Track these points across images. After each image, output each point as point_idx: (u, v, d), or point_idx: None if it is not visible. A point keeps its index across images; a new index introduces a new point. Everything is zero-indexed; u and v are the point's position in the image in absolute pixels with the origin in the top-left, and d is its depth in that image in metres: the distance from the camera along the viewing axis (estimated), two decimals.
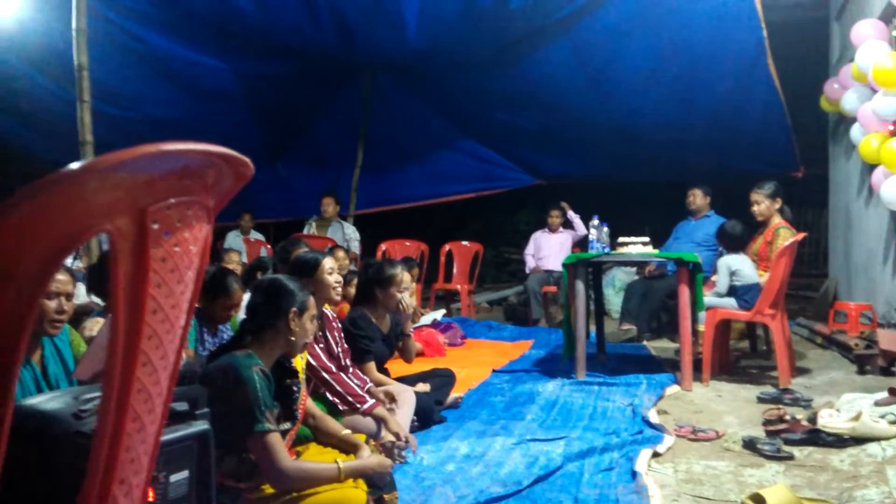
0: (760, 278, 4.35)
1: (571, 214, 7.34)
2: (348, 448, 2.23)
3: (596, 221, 4.70)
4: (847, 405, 3.28)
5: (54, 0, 5.34)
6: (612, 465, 2.77)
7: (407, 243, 7.60)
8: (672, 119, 6.78)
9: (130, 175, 0.71)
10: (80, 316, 2.81)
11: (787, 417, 3.21)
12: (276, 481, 1.89)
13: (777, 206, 4.69)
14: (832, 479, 2.61)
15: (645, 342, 5.79)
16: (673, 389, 4.10)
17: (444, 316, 6.53)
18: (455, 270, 7.80)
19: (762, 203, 4.68)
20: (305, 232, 7.03)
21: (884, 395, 3.29)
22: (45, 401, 1.19)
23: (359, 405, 2.83)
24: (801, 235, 4.41)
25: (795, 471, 2.73)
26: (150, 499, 1.17)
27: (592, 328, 5.20)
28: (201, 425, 1.34)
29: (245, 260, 6.39)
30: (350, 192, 8.29)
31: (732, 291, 4.31)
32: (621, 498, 2.44)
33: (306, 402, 2.25)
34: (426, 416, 3.37)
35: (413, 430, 3.13)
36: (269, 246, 7.62)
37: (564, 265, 4.54)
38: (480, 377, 4.51)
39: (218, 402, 1.51)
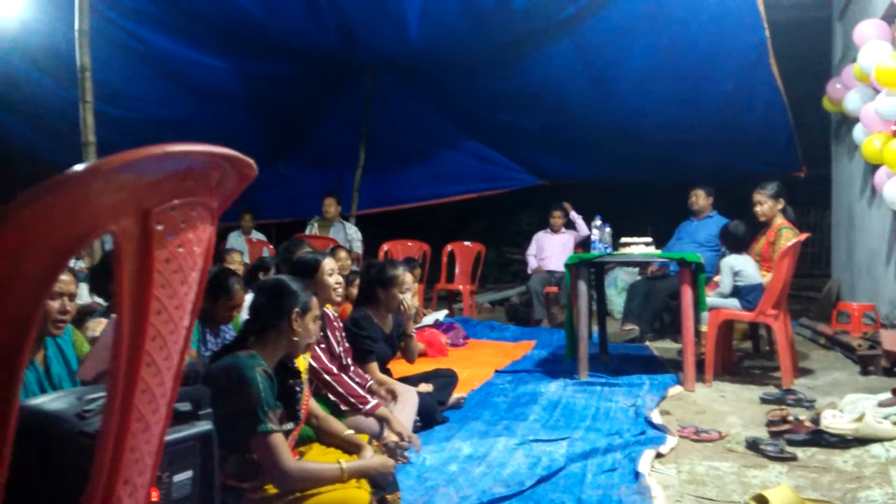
0: (763, 279, 4.34)
1: (574, 215, 7.34)
2: (351, 448, 2.23)
3: (598, 222, 4.70)
4: (850, 406, 3.27)
5: (57, 1, 5.35)
6: (614, 466, 2.77)
7: (409, 243, 7.60)
8: (675, 119, 6.78)
9: (135, 176, 0.71)
10: (82, 316, 2.82)
11: (791, 418, 3.21)
12: (279, 481, 1.89)
13: (780, 206, 4.68)
14: (836, 480, 2.61)
15: (647, 343, 5.78)
16: (676, 390, 4.09)
17: (447, 316, 6.54)
18: (457, 271, 7.80)
19: (765, 203, 4.68)
20: (307, 232, 7.03)
21: (887, 395, 3.29)
22: (49, 401, 1.19)
23: (361, 406, 2.83)
24: (803, 236, 4.40)
25: (799, 472, 2.72)
26: (155, 499, 1.17)
27: (595, 329, 5.20)
28: (205, 425, 1.34)
29: (247, 260, 6.40)
30: (352, 192, 8.29)
31: (735, 292, 4.31)
32: (624, 499, 2.44)
33: (309, 403, 2.25)
34: (429, 417, 3.37)
35: (416, 430, 3.13)
36: (271, 246, 7.62)
37: (567, 265, 4.54)
38: (483, 378, 4.51)
39: (221, 403, 1.51)
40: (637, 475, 2.64)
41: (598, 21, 5.79)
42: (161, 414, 0.87)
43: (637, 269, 6.93)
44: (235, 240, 7.96)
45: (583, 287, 4.38)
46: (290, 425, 2.07)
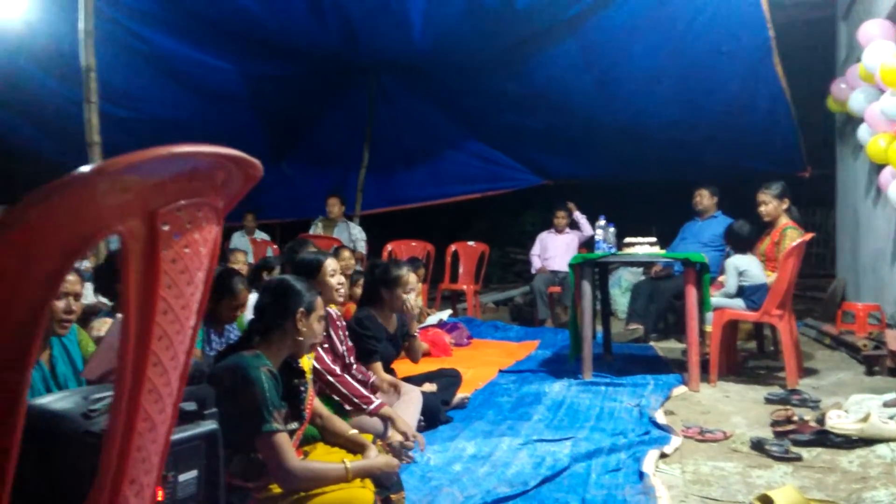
0: (768, 279, 4.33)
1: (577, 215, 7.33)
2: (355, 448, 2.24)
3: (602, 222, 4.70)
4: (855, 406, 3.26)
5: (61, 2, 5.36)
6: (619, 466, 2.77)
7: (413, 244, 7.60)
8: (678, 119, 6.77)
9: (141, 177, 0.71)
10: (87, 316, 2.83)
11: (795, 418, 3.20)
12: (283, 481, 1.89)
13: (784, 206, 4.68)
14: (841, 481, 2.60)
15: (652, 343, 5.78)
16: (680, 390, 4.09)
17: (450, 316, 6.53)
18: (461, 271, 7.80)
19: (769, 203, 4.67)
20: (311, 232, 7.04)
21: (892, 395, 3.28)
22: (55, 400, 1.20)
23: (364, 406, 2.83)
24: (808, 236, 4.39)
25: (804, 472, 2.72)
26: (160, 498, 1.17)
27: (599, 329, 5.19)
28: (210, 425, 1.35)
29: (251, 260, 6.41)
30: (356, 192, 8.29)
31: (740, 292, 4.30)
32: (629, 499, 2.44)
33: (313, 402, 2.26)
34: (433, 416, 3.37)
35: (420, 430, 3.13)
36: (275, 246, 7.63)
37: (571, 265, 4.53)
38: (487, 377, 4.51)
39: (226, 402, 1.51)
40: (641, 475, 2.64)
41: (601, 21, 5.78)
42: (167, 413, 0.88)
43: (641, 269, 6.93)
44: (239, 239, 7.97)
45: (587, 287, 4.38)
46: (294, 425, 2.07)
